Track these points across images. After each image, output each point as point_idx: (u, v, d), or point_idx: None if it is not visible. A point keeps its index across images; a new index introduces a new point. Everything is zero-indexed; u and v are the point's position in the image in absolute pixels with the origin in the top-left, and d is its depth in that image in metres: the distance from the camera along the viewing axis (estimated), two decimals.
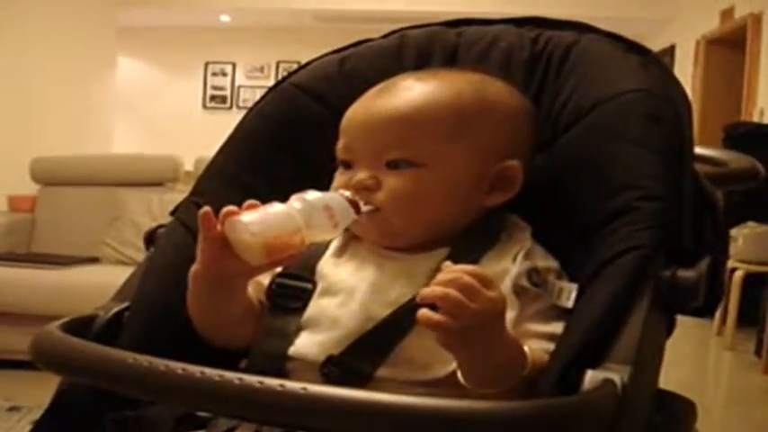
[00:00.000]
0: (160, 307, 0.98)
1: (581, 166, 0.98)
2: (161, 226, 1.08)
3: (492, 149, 0.97)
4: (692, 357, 4.52)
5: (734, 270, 4.58)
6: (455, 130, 0.95)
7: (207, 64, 9.95)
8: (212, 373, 0.65)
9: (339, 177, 0.98)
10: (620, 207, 0.90)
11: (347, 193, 0.90)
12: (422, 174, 0.93)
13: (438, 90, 0.97)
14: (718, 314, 4.79)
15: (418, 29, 1.18)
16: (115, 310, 0.97)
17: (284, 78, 1.17)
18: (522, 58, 1.09)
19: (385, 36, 1.19)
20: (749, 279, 4.54)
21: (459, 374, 0.81)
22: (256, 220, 0.81)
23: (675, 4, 7.67)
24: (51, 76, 6.05)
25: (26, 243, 4.29)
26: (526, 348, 0.82)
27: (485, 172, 0.96)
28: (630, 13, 7.68)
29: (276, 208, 0.83)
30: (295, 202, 0.84)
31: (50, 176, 4.38)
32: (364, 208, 0.90)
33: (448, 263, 0.79)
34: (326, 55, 1.18)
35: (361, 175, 0.94)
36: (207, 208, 0.84)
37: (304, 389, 0.62)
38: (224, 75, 9.98)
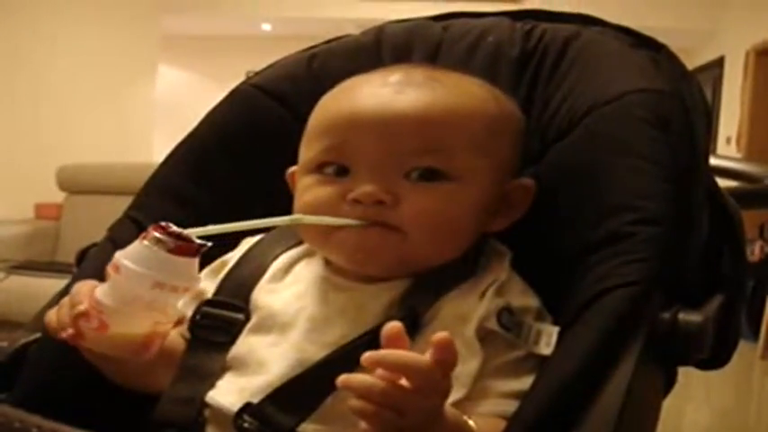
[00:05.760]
0: None
1: (570, 182, 0.82)
2: (94, 244, 0.94)
3: (508, 166, 0.83)
4: (735, 381, 4.31)
5: None
6: (484, 142, 0.80)
7: (248, 73, 9.90)
8: None
9: (321, 187, 0.79)
10: (610, 232, 0.75)
11: (153, 235, 0.65)
12: (455, 190, 0.77)
13: (463, 93, 0.82)
14: (762, 336, 4.58)
15: (400, 23, 1.03)
16: (22, 342, 0.85)
17: (246, 79, 1.03)
18: (512, 56, 0.93)
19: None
20: None
21: None
22: (100, 341, 0.67)
23: (724, 15, 7.47)
24: (87, 83, 6.01)
25: (50, 252, 4.26)
26: (472, 424, 0.66)
27: (499, 192, 0.81)
28: (678, 24, 7.46)
29: (117, 315, 0.67)
30: (105, 297, 0.67)
31: (77, 184, 4.33)
32: (198, 234, 0.67)
33: (396, 324, 0.63)
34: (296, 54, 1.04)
35: (368, 187, 0.76)
36: (50, 316, 0.71)
37: None
38: None
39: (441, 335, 0.60)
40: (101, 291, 0.68)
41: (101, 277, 0.86)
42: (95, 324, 0.66)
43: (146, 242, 0.65)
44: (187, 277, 0.66)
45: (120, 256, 0.66)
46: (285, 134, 0.93)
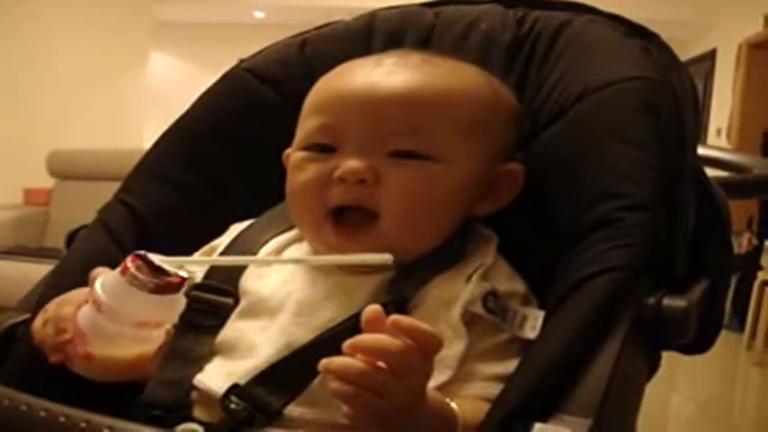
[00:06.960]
0: None
1: (560, 167, 0.83)
2: (84, 226, 0.94)
3: (499, 151, 0.83)
4: (721, 371, 4.35)
5: (766, 283, 4.41)
6: (474, 126, 0.81)
7: (240, 60, 9.84)
8: None
9: (310, 164, 0.80)
10: (598, 218, 0.75)
11: (132, 273, 0.62)
12: (438, 171, 0.78)
13: (456, 77, 0.83)
14: (748, 327, 4.61)
15: (392, 9, 1.03)
16: (10, 323, 0.85)
17: (238, 64, 1.04)
18: (504, 42, 0.94)
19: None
20: None
21: None
22: (86, 368, 0.69)
23: (717, 8, 7.47)
24: (79, 69, 5.99)
25: (39, 237, 4.24)
26: (454, 406, 0.67)
27: (486, 176, 0.82)
28: (671, 16, 7.47)
29: (101, 347, 0.67)
30: (88, 330, 0.66)
31: (67, 170, 4.32)
32: (183, 272, 0.63)
33: (376, 307, 0.63)
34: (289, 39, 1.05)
35: (353, 163, 0.77)
36: (36, 330, 0.74)
37: None
38: None
39: (391, 318, 0.61)
40: (83, 319, 0.67)
41: (87, 262, 0.86)
42: (81, 352, 0.67)
43: (125, 279, 0.62)
44: (171, 311, 0.66)
45: (101, 291, 0.64)
46: (276, 118, 0.94)
